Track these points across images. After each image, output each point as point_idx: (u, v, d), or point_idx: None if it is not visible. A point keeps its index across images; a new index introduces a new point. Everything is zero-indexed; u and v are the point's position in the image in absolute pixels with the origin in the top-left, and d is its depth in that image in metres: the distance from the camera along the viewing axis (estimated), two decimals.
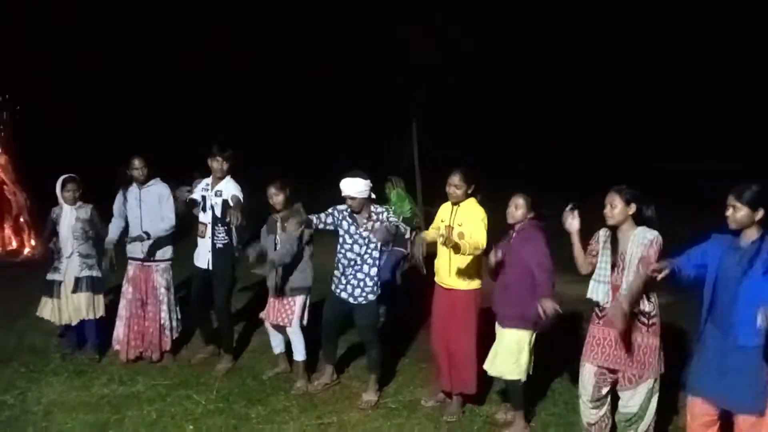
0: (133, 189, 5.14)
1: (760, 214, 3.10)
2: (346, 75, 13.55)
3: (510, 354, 3.97)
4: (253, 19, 14.62)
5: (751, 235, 3.13)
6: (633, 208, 3.56)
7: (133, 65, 14.73)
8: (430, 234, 4.34)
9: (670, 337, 3.96)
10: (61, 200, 5.15)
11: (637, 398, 3.61)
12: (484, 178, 4.50)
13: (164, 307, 5.13)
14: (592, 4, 12.86)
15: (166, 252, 5.17)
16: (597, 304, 3.71)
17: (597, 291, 3.66)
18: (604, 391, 3.71)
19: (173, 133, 13.41)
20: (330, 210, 4.56)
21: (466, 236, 4.12)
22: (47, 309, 5.18)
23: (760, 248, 3.10)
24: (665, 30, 13.63)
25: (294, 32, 14.46)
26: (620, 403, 3.69)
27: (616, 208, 3.56)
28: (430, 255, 4.46)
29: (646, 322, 3.57)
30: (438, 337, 4.42)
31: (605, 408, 3.77)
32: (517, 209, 4.01)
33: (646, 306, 3.58)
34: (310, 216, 4.46)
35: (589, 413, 3.80)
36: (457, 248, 4.02)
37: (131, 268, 5.16)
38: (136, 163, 5.08)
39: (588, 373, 3.74)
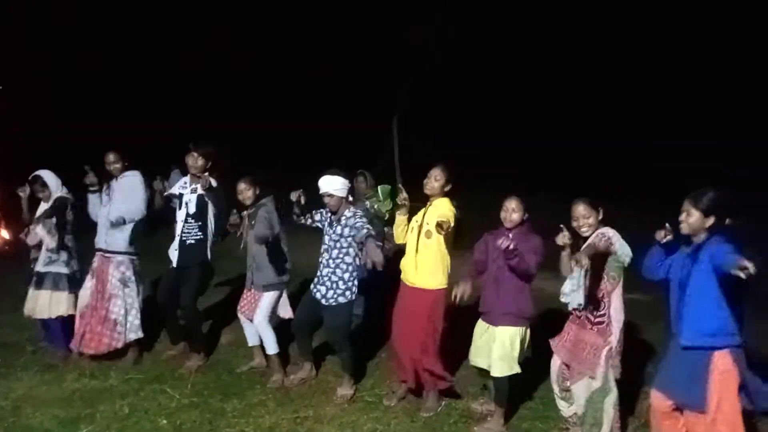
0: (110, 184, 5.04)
1: (710, 221, 3.14)
2: (331, 72, 13.51)
3: (505, 351, 3.96)
4: (243, 15, 14.53)
5: (699, 241, 3.17)
6: (601, 214, 3.67)
7: (126, 61, 14.53)
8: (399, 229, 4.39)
9: (632, 336, 4.01)
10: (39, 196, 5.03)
11: (581, 396, 3.67)
12: (465, 178, 4.52)
13: (116, 301, 4.92)
14: (585, 4, 12.95)
15: (124, 244, 4.97)
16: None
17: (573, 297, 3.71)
18: (567, 384, 3.78)
19: (162, 131, 13.29)
20: (321, 209, 4.58)
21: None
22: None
23: (701, 246, 3.14)
24: (663, 28, 13.72)
25: (284, 30, 14.38)
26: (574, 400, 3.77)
27: (589, 218, 3.64)
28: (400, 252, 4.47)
29: (591, 319, 3.65)
30: (400, 336, 4.38)
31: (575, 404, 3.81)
32: (515, 213, 3.96)
33: (595, 305, 3.63)
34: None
35: (560, 404, 3.88)
36: (440, 226, 3.95)
37: (95, 259, 5.04)
38: (111, 158, 4.97)
39: (554, 362, 3.87)
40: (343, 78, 13.42)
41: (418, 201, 4.49)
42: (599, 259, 3.55)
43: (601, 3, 13.03)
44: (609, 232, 3.60)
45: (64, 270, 5.03)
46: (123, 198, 4.94)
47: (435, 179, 4.27)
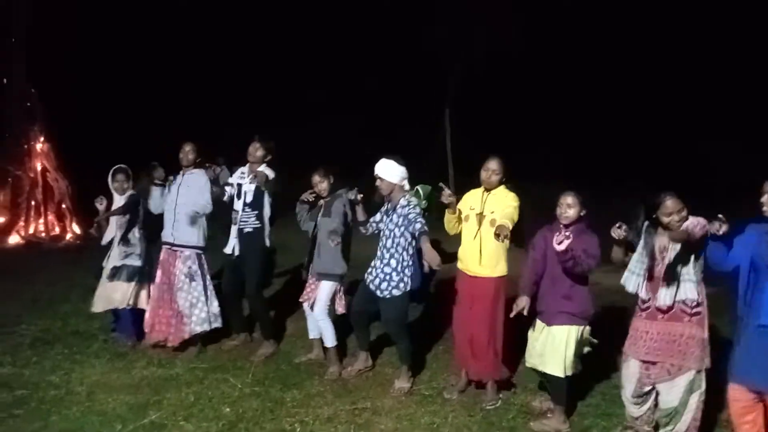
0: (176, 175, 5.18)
1: None
2: (381, 65, 13.52)
3: (558, 351, 3.88)
4: (291, 8, 14.69)
5: None
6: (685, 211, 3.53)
7: (170, 56, 14.92)
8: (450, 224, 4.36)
9: (711, 331, 3.84)
10: (112, 189, 5.24)
11: (676, 391, 3.52)
12: (518, 171, 4.45)
13: (181, 294, 5.04)
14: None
15: (192, 238, 5.09)
16: (639, 297, 3.67)
17: (629, 281, 3.66)
18: (647, 389, 3.64)
19: (205, 126, 13.62)
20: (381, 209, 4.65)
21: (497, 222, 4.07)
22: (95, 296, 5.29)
23: None
24: (708, 18, 13.16)
25: (328, 22, 14.47)
26: (659, 398, 3.61)
27: (683, 211, 3.49)
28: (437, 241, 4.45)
29: (688, 311, 3.50)
30: (461, 326, 4.39)
31: (650, 402, 3.70)
32: (570, 208, 3.86)
33: (689, 293, 3.50)
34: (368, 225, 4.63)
35: (632, 407, 3.74)
36: (502, 229, 3.90)
37: (162, 253, 5.18)
38: (188, 148, 5.10)
39: (632, 368, 3.69)
40: (393, 72, 13.45)
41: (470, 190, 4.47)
42: (690, 247, 3.43)
43: None
44: (702, 219, 3.45)
45: (138, 263, 5.23)
46: (193, 193, 5.05)
47: (494, 173, 4.23)
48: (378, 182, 4.45)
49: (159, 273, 5.17)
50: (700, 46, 13.45)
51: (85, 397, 4.39)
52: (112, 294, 5.19)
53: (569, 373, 3.90)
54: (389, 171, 4.40)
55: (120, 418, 4.07)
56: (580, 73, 14.56)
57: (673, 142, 13.81)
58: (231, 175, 5.21)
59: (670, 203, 3.49)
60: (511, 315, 3.98)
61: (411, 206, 4.38)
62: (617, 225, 3.52)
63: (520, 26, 11.21)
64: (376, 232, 4.64)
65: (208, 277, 5.19)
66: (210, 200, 5.08)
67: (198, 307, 5.08)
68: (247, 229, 5.02)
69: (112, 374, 4.77)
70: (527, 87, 14.77)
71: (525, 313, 3.93)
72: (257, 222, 5.04)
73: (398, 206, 4.42)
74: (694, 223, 3.41)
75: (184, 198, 5.06)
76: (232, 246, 5.06)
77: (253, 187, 5.01)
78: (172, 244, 5.12)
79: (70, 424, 4.01)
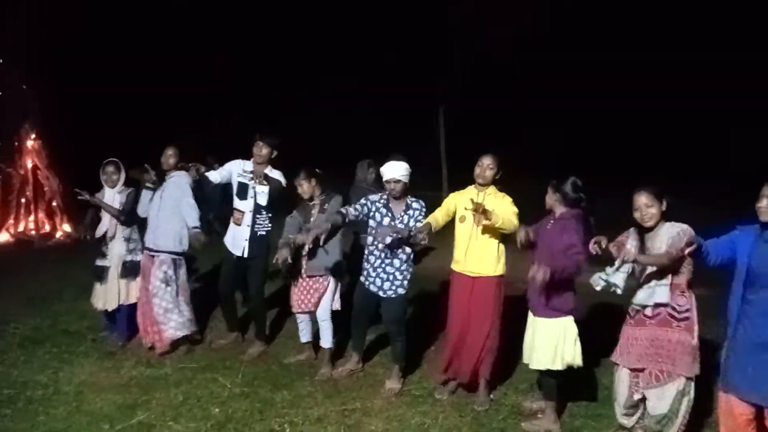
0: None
1: None
2: (376, 58, 13.46)
3: (546, 344, 3.87)
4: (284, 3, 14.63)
5: None
6: (664, 204, 3.50)
7: (165, 51, 14.83)
8: (438, 219, 4.30)
9: (701, 333, 3.84)
10: (102, 182, 5.18)
11: (667, 399, 3.49)
12: (516, 167, 4.45)
13: (156, 300, 4.96)
14: None
15: (169, 243, 5.00)
16: (631, 304, 3.65)
17: (615, 277, 3.47)
18: (636, 397, 3.62)
19: (200, 121, 13.55)
20: (363, 201, 4.50)
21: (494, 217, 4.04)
22: (95, 295, 5.23)
23: None
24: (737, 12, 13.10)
25: (326, 19, 14.41)
26: (649, 404, 3.58)
27: (652, 207, 3.47)
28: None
29: (677, 315, 3.48)
30: (456, 327, 4.34)
31: (640, 412, 3.69)
32: (555, 205, 3.90)
33: (677, 299, 3.48)
34: (342, 210, 4.41)
35: (623, 417, 3.73)
36: (487, 215, 3.93)
37: (142, 258, 5.14)
38: (170, 151, 5.06)
39: (622, 376, 3.67)
40: (389, 69, 13.41)
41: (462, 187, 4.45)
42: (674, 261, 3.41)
43: None
44: (684, 227, 3.43)
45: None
46: (175, 200, 4.97)
47: (488, 168, 4.22)
48: (393, 185, 4.34)
49: (140, 277, 5.12)
50: (721, 35, 13.35)
51: (73, 396, 4.36)
52: (119, 291, 5.13)
53: (557, 366, 3.86)
54: (402, 171, 4.32)
55: (108, 418, 4.04)
56: (588, 64, 14.50)
57: (689, 133, 13.74)
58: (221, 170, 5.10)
59: (637, 198, 3.50)
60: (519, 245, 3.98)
61: (423, 210, 4.37)
62: (594, 241, 3.49)
63: (533, 14, 11.13)
64: (358, 219, 4.49)
65: (185, 283, 5.15)
66: (194, 204, 4.97)
67: (174, 312, 5.02)
68: (260, 232, 5.02)
69: (100, 374, 4.74)
70: (527, 82, 14.73)
71: (531, 237, 3.95)
72: (269, 225, 5.05)
73: (411, 208, 4.40)
74: (679, 236, 3.37)
75: (165, 202, 5.01)
76: (241, 248, 5.01)
77: (266, 189, 4.95)
78: (151, 249, 5.08)
79: (57, 423, 3.98)
